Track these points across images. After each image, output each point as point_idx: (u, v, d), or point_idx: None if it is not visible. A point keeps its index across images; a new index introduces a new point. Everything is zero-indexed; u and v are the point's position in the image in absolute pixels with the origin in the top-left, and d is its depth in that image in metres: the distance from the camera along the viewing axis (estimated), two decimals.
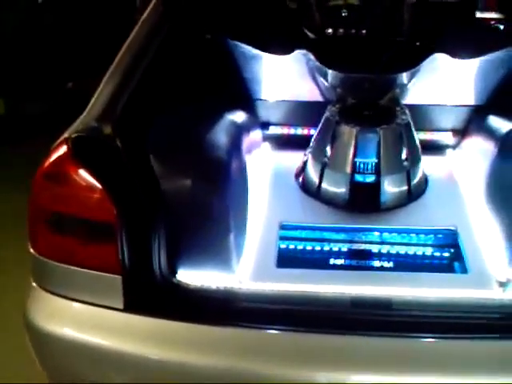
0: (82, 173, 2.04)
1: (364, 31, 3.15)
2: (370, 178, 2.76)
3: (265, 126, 3.29)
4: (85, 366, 2.13)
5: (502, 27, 3.32)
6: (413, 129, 2.87)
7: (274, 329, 2.06)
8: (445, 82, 3.14)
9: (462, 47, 2.99)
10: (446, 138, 3.28)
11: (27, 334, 2.20)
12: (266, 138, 3.28)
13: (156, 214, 2.13)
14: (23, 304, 2.22)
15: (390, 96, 2.98)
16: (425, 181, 2.93)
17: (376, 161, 2.74)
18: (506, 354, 1.98)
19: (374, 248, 2.62)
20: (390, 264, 2.55)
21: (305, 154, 2.97)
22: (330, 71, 2.95)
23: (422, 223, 2.68)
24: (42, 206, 2.13)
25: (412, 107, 3.00)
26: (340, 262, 2.57)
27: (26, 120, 6.18)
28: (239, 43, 3.04)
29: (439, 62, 3.00)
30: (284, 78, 3.20)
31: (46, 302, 2.17)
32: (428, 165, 2.97)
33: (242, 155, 2.73)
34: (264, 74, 3.20)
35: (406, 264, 2.56)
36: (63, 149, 2.07)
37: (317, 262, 2.58)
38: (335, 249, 2.62)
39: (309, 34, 3.13)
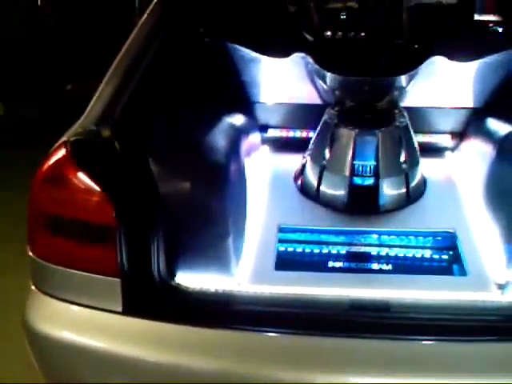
0: (81, 176, 2.04)
1: (362, 34, 3.16)
2: (369, 181, 2.76)
3: (264, 128, 3.30)
4: (83, 369, 2.13)
5: (500, 30, 3.33)
6: (411, 131, 2.88)
7: (273, 331, 2.06)
8: (443, 85, 3.15)
9: (460, 50, 2.99)
10: (445, 140, 3.28)
11: (26, 336, 2.19)
12: (264, 141, 3.28)
13: (155, 217, 2.13)
14: (22, 306, 2.23)
15: (388, 99, 2.98)
16: (423, 183, 2.93)
17: (375, 163, 2.74)
18: (504, 355, 1.98)
19: (373, 250, 2.62)
20: (389, 266, 2.56)
21: (303, 157, 2.97)
22: (328, 74, 2.96)
23: (421, 226, 2.69)
24: (41, 209, 2.13)
25: (410, 110, 3.01)
26: (339, 264, 2.57)
27: (25, 122, 6.19)
28: (238, 46, 3.05)
29: (438, 65, 3.00)
30: (283, 80, 3.21)
31: (44, 304, 2.16)
32: (427, 167, 2.98)
33: (241, 158, 2.74)
34: (263, 76, 3.20)
35: (405, 266, 2.56)
36: (62, 152, 2.08)
37: (315, 264, 2.58)
38: (334, 251, 2.62)
39: (307, 36, 3.13)
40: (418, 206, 2.82)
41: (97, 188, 2.03)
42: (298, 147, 3.08)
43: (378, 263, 2.57)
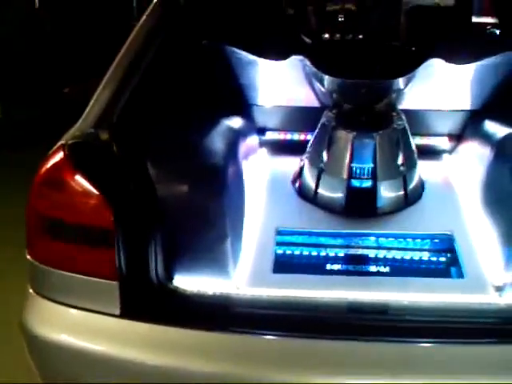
0: (79, 179, 2.04)
1: (360, 36, 3.17)
2: (367, 183, 2.76)
3: (261, 131, 3.30)
4: (82, 372, 2.13)
5: (497, 32, 3.34)
6: (409, 134, 2.88)
7: (271, 334, 2.06)
8: (441, 87, 3.15)
9: (457, 52, 3.00)
10: (443, 142, 3.29)
11: (24, 340, 2.20)
12: (262, 144, 3.28)
13: (153, 220, 2.13)
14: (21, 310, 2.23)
15: (386, 101, 2.98)
16: (421, 185, 2.93)
17: (372, 166, 2.74)
18: (502, 358, 1.99)
19: (371, 253, 2.62)
20: (387, 269, 2.55)
21: (301, 160, 2.97)
22: (326, 76, 2.96)
23: (419, 228, 2.69)
24: (39, 212, 2.13)
25: (408, 112, 3.01)
26: (337, 267, 2.57)
27: (23, 124, 6.20)
28: (236, 49, 3.05)
29: (435, 67, 3.01)
30: (280, 83, 3.21)
31: (42, 308, 2.17)
32: (424, 169, 2.98)
33: (239, 161, 2.74)
34: (260, 79, 3.20)
35: (403, 269, 2.56)
36: (60, 155, 2.08)
37: (313, 267, 2.58)
38: (332, 254, 2.62)
39: (305, 39, 3.14)
40: (415, 209, 2.82)
41: (95, 191, 2.03)
42: (295, 150, 3.08)
43: (376, 266, 2.57)
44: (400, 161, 2.80)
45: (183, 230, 2.24)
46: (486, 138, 2.90)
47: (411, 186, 2.83)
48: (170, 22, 2.75)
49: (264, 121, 3.30)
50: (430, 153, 3.19)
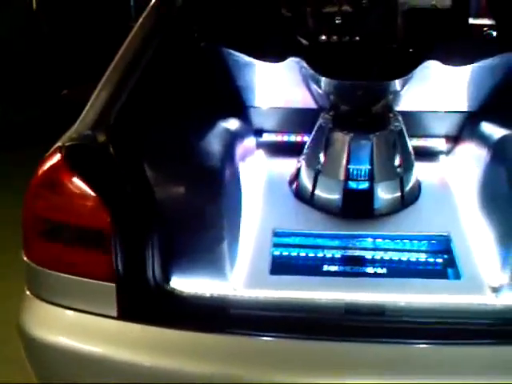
0: (76, 181, 2.04)
1: (357, 38, 3.17)
2: (364, 185, 2.76)
3: (258, 133, 3.30)
4: (79, 374, 2.13)
5: (494, 34, 3.34)
6: (406, 135, 2.89)
7: (268, 336, 2.06)
8: (438, 89, 3.16)
9: (454, 54, 3.01)
10: (439, 144, 3.29)
11: (21, 342, 2.20)
12: (259, 145, 3.29)
13: (150, 222, 2.13)
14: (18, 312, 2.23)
15: (383, 103, 2.99)
16: (418, 187, 2.94)
17: (369, 167, 2.74)
18: (499, 359, 1.99)
19: (368, 254, 2.62)
20: (384, 270, 2.56)
21: (298, 161, 2.97)
22: (323, 78, 2.96)
23: (416, 229, 2.69)
24: (36, 214, 2.13)
25: (405, 114, 3.02)
26: (334, 268, 2.57)
27: (21, 126, 6.19)
28: (233, 51, 3.05)
29: (432, 69, 3.01)
30: (277, 85, 3.21)
31: (39, 310, 2.17)
32: (421, 171, 2.98)
33: (236, 162, 2.74)
34: (258, 81, 3.21)
35: (400, 270, 2.56)
36: (57, 157, 2.08)
37: (310, 268, 2.58)
38: (329, 255, 2.62)
39: (302, 40, 3.14)
40: (412, 210, 2.82)
41: (92, 193, 2.03)
42: (292, 151, 3.09)
43: (373, 267, 2.57)
44: (397, 162, 2.80)
45: (180, 231, 2.24)
46: (483, 139, 2.90)
47: (408, 187, 2.84)
48: (168, 23, 2.75)
49: (261, 122, 3.30)
50: (426, 154, 3.20)
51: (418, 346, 2.03)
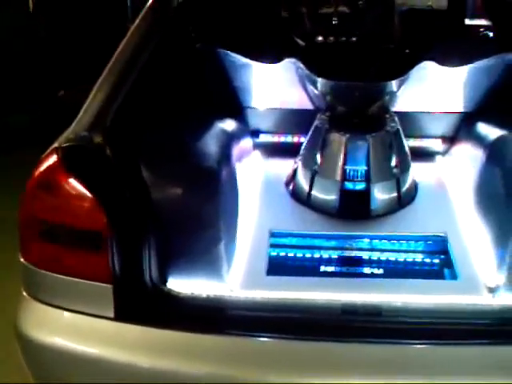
0: (73, 182, 2.04)
1: (354, 39, 3.17)
2: (360, 186, 2.77)
3: (255, 133, 3.30)
4: (76, 375, 2.13)
5: (490, 34, 3.35)
6: (402, 136, 2.89)
7: (264, 336, 2.06)
8: (434, 90, 3.16)
9: (450, 55, 3.01)
10: (436, 144, 3.29)
11: (18, 343, 2.19)
12: (256, 146, 3.29)
13: (146, 223, 2.13)
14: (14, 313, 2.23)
15: (379, 103, 2.99)
16: (415, 187, 2.94)
17: (366, 168, 2.75)
18: (496, 359, 1.99)
19: (365, 255, 2.63)
20: (381, 271, 2.56)
21: (295, 162, 2.98)
22: (319, 79, 2.97)
23: (412, 230, 2.69)
24: (33, 215, 2.13)
25: (401, 114, 3.02)
26: (330, 269, 2.58)
27: (17, 127, 6.19)
28: (229, 52, 3.06)
29: (428, 70, 3.02)
30: (274, 86, 3.21)
31: (36, 311, 2.16)
32: (418, 171, 2.99)
33: (233, 163, 2.74)
34: (254, 82, 3.21)
35: (396, 271, 2.57)
36: (53, 158, 2.08)
37: (307, 269, 2.58)
38: (325, 256, 2.62)
39: (299, 41, 3.14)
40: (409, 211, 2.82)
41: (88, 194, 2.03)
42: (289, 152, 3.09)
43: (370, 268, 2.57)
44: (393, 163, 2.81)
45: (177, 232, 2.24)
46: (479, 140, 2.91)
47: (405, 187, 2.84)
48: (164, 25, 2.75)
49: (258, 123, 3.30)
50: (423, 155, 3.20)
51: (414, 346, 2.03)
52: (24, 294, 2.22)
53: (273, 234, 2.67)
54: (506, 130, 2.77)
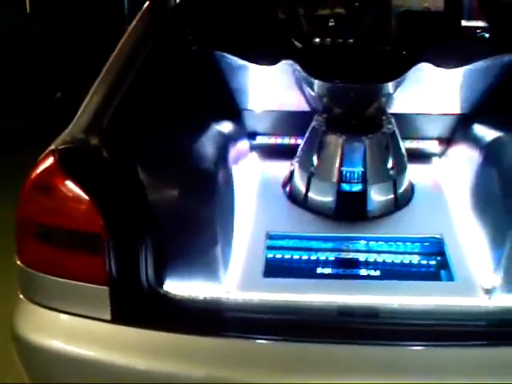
0: (69, 184, 2.04)
1: (350, 41, 3.18)
2: (357, 187, 2.77)
3: (252, 135, 3.31)
4: (73, 378, 2.12)
5: (486, 36, 3.35)
6: (399, 137, 2.89)
7: (261, 338, 2.06)
8: (430, 91, 3.17)
9: (447, 57, 3.02)
10: (432, 146, 3.30)
11: (15, 346, 2.19)
12: (253, 148, 3.29)
13: (143, 225, 2.13)
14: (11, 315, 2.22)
15: (375, 105, 3.00)
16: (411, 189, 2.95)
17: (362, 170, 2.75)
18: (492, 360, 1.99)
19: (361, 257, 2.63)
20: (377, 272, 2.56)
21: (292, 164, 2.98)
22: (315, 81, 2.97)
23: (409, 231, 2.70)
24: (29, 218, 2.13)
25: (398, 116, 3.02)
26: (327, 270, 2.58)
27: (14, 129, 6.19)
28: (226, 54, 3.06)
29: (425, 71, 3.02)
30: (271, 88, 3.22)
31: (33, 313, 2.16)
32: (414, 173, 2.99)
33: (229, 165, 2.74)
34: (251, 84, 3.21)
35: (393, 272, 2.57)
36: (50, 160, 2.08)
37: (304, 271, 2.58)
38: (322, 258, 2.62)
39: (296, 43, 3.15)
40: (405, 212, 2.83)
41: (85, 196, 2.03)
42: (286, 154, 3.09)
43: (366, 269, 2.58)
44: (390, 164, 2.81)
45: (174, 234, 2.24)
46: (476, 141, 2.91)
47: (401, 189, 2.85)
48: (161, 27, 2.75)
49: (254, 125, 3.31)
50: (419, 156, 3.20)
51: (411, 347, 2.03)
52: (21, 296, 2.21)
53: (269, 236, 2.67)
54: (503, 131, 2.78)
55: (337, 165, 2.76)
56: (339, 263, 2.61)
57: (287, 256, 2.64)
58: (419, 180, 3.02)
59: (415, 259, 2.63)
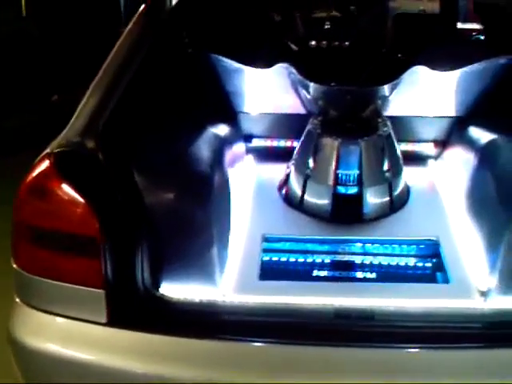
0: (65, 187, 2.04)
1: (346, 43, 3.18)
2: (353, 190, 2.78)
3: (248, 138, 3.31)
4: (69, 381, 2.12)
5: (482, 39, 3.36)
6: (394, 140, 2.90)
7: (257, 341, 2.07)
8: (426, 94, 3.17)
9: (442, 59, 3.02)
10: (428, 148, 3.31)
11: (11, 349, 2.19)
12: (249, 151, 3.29)
13: (139, 228, 2.13)
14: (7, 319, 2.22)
15: (371, 108, 3.00)
16: (407, 191, 2.95)
17: (358, 172, 2.76)
18: (487, 362, 2.00)
19: (357, 259, 2.63)
20: (373, 275, 2.56)
21: (287, 167, 2.98)
22: (311, 84, 2.97)
23: (405, 234, 2.70)
24: (25, 221, 2.12)
25: (394, 119, 3.03)
26: (323, 273, 2.58)
27: (10, 132, 6.18)
28: (222, 57, 3.06)
29: (420, 74, 3.03)
30: (266, 90, 3.22)
31: (29, 317, 2.16)
32: (410, 175, 3.00)
33: (225, 168, 2.75)
34: (246, 87, 3.22)
35: (389, 275, 2.57)
36: (46, 163, 2.08)
37: (300, 273, 2.58)
38: (318, 260, 2.63)
39: (291, 46, 3.15)
40: (401, 215, 2.83)
41: (81, 199, 2.03)
42: (282, 157, 3.10)
43: (362, 272, 2.58)
44: (386, 167, 2.81)
45: (170, 237, 2.24)
46: (471, 144, 2.92)
47: (397, 192, 2.85)
48: (157, 29, 2.76)
49: (250, 128, 3.31)
50: (415, 159, 3.21)
51: (407, 349, 2.04)
52: (17, 299, 2.21)
53: (265, 239, 2.67)
54: (498, 133, 2.79)
55: (333, 167, 2.76)
56: (335, 266, 2.61)
57: (283, 259, 2.64)
58: (415, 182, 3.02)
59: (411, 261, 2.63)
